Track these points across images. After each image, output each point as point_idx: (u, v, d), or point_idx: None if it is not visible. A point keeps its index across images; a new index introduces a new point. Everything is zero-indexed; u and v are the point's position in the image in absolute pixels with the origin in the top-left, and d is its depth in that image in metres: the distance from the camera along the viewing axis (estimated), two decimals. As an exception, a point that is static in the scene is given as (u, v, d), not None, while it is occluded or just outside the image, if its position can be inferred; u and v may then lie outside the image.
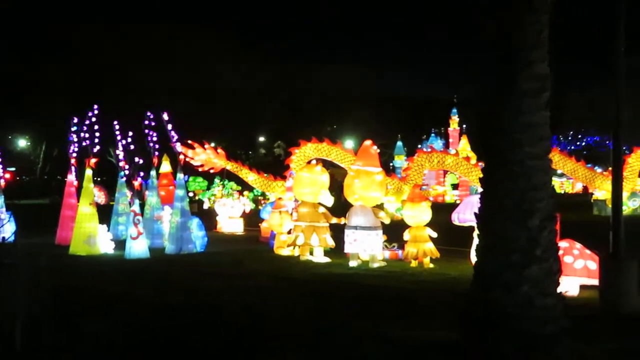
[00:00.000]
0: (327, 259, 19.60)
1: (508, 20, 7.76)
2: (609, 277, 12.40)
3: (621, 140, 12.96)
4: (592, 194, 46.74)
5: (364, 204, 18.84)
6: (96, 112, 23.38)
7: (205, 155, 39.79)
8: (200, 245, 22.37)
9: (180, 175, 22.92)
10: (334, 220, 20.09)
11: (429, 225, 18.93)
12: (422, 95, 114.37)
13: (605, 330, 10.48)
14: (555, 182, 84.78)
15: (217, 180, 49.91)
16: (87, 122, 23.31)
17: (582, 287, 13.77)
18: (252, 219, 33.30)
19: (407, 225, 19.03)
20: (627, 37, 12.65)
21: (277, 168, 50.37)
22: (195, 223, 22.42)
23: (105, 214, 25.86)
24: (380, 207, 21.34)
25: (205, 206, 47.35)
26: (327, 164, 37.45)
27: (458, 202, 47.27)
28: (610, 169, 13.65)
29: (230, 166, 40.80)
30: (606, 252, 12.81)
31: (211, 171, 41.48)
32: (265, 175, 41.62)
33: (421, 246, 18.53)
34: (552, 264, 7.76)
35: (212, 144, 45.57)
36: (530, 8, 7.70)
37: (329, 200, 20.49)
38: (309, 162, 22.63)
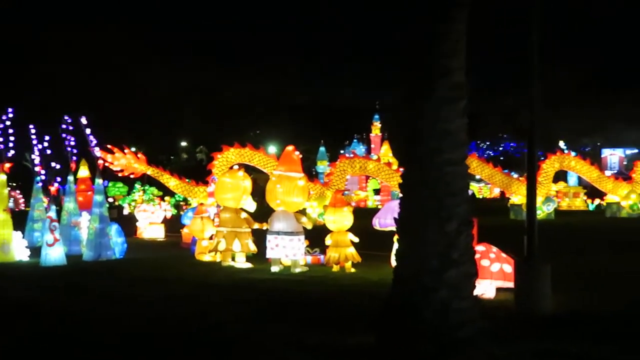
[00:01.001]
0: (249, 265, 19.52)
1: (426, 28, 7.89)
2: (523, 279, 12.74)
3: (535, 147, 13.35)
4: (508, 198, 48.05)
5: (286, 209, 18.84)
6: (10, 115, 22.69)
7: (125, 160, 39.15)
8: (120, 251, 21.95)
9: (99, 181, 22.43)
10: (256, 225, 20.04)
11: (350, 230, 19.06)
12: (344, 102, 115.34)
13: (520, 332, 10.74)
14: (474, 187, 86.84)
15: (137, 186, 49.16)
16: (1, 125, 22.59)
17: (498, 289, 14.10)
18: (174, 224, 32.92)
19: (329, 230, 19.13)
20: (542, 48, 13.05)
21: (199, 173, 49.98)
22: (114, 229, 21.99)
23: (20, 220, 25.08)
24: (302, 212, 21.38)
25: (125, 212, 46.56)
26: (250, 169, 37.40)
27: (380, 207, 47.84)
28: (525, 174, 14.06)
29: (151, 171, 40.26)
30: (521, 255, 13.17)
31: (131, 176, 40.85)
32: (187, 180, 41.26)
33: (343, 251, 18.65)
34: (469, 268, 7.93)
35: (133, 149, 44.87)
36: (448, 17, 7.84)
37: (251, 206, 20.42)
38: (231, 168, 22.44)
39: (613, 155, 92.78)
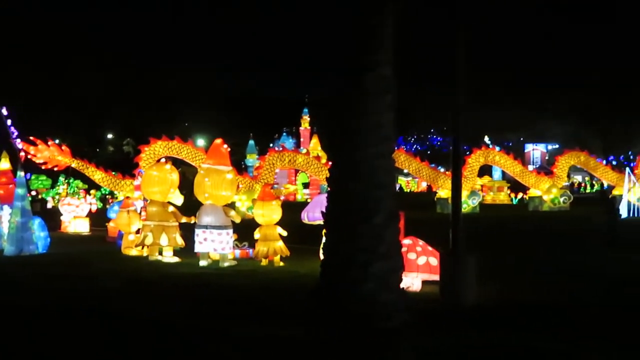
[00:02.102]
0: (176, 259, 19.34)
1: (355, 21, 7.93)
2: (448, 272, 13.00)
3: (460, 142, 13.61)
4: (435, 192, 48.81)
5: (214, 202, 18.72)
6: None
7: (49, 152, 38.19)
8: (43, 246, 21.42)
9: (20, 173, 21.80)
10: (184, 219, 19.85)
11: (279, 223, 19.08)
12: (273, 95, 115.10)
13: (445, 324, 10.95)
14: (402, 181, 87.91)
15: (61, 179, 47.98)
16: None
17: (425, 282, 14.33)
18: (99, 218, 32.26)
19: (258, 224, 19.09)
20: (468, 45, 13.32)
21: (125, 166, 49.15)
22: (37, 223, 21.44)
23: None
24: (231, 206, 21.28)
25: (49, 205, 45.38)
26: (178, 162, 36.99)
27: (309, 200, 48.02)
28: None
29: (75, 164, 39.40)
30: (447, 248, 13.42)
31: (55, 169, 39.89)
32: (114, 173, 40.57)
33: (272, 245, 18.65)
34: (396, 261, 8.01)
35: (56, 141, 43.79)
36: (376, 11, 7.89)
37: (179, 199, 20.22)
38: (158, 160, 22.18)
39: (536, 150, 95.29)
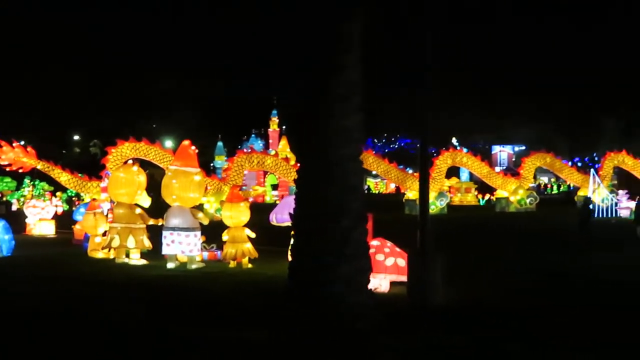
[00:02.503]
0: (144, 261, 19.19)
1: (322, 26, 7.95)
2: (416, 273, 13.06)
3: (428, 143, 13.70)
4: (404, 193, 49.03)
5: (182, 204, 18.61)
6: None
7: (14, 154, 37.69)
8: (7, 249, 21.10)
9: (-16, 175, 21.50)
10: (151, 221, 19.69)
11: (247, 225, 19.02)
12: (242, 97, 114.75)
13: (413, 324, 11.00)
14: (370, 182, 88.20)
15: (27, 181, 47.38)
16: None
17: (393, 283, 14.38)
18: (65, 221, 31.90)
19: (226, 226, 19.02)
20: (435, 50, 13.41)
21: (92, 168, 48.68)
22: (1, 226, 21.12)
23: None
24: (199, 207, 21.17)
25: (14, 208, 44.78)
26: (146, 164, 36.72)
27: (278, 202, 47.97)
28: (419, 170, 14.43)
29: (41, 166, 38.94)
30: (414, 249, 13.49)
31: (20, 171, 39.38)
32: (80, 175, 40.16)
33: (240, 247, 18.58)
34: (363, 263, 8.05)
35: (22, 142, 43.24)
36: (343, 15, 7.93)
37: (146, 201, 20.07)
38: (125, 162, 22.00)
39: (503, 152, 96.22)
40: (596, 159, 72.49)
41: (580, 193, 47.41)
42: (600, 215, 39.80)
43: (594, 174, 42.31)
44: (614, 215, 40.13)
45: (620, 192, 42.68)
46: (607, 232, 29.22)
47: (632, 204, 41.03)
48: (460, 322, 11.32)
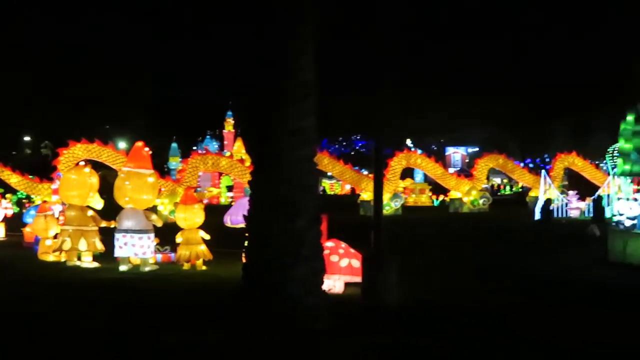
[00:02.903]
0: (96, 264, 18.92)
1: (277, 28, 7.95)
2: (370, 274, 13.11)
3: (382, 145, 13.78)
4: (359, 195, 49.19)
5: (135, 206, 18.41)
6: None
7: (-39, 156, 36.88)
8: (-45, 252, 20.63)
9: None
10: (104, 223, 19.45)
11: (202, 227, 18.89)
12: (197, 98, 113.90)
13: (367, 325, 11.04)
14: (325, 183, 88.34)
15: (-25, 183, 46.33)
16: None
17: (347, 284, 14.41)
18: (15, 223, 31.21)
19: (180, 228, 18.87)
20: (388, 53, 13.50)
21: (43, 169, 47.89)
22: (-52, 229, 20.65)
23: None
24: (153, 209, 20.97)
25: (-38, 210, 43.67)
26: (99, 166, 36.24)
27: (233, 203, 47.73)
28: (373, 171, 14.50)
29: (-10, 167, 38.15)
30: (369, 250, 13.54)
31: (-32, 172, 38.52)
32: (31, 177, 39.46)
33: (194, 248, 18.46)
34: (318, 264, 8.08)
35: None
36: (298, 18, 7.93)
37: (99, 203, 19.81)
38: (77, 164, 21.70)
39: (456, 153, 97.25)
40: (547, 160, 73.69)
41: (532, 194, 48.12)
42: (552, 215, 40.42)
43: (545, 175, 42.96)
44: (564, 215, 40.83)
45: (571, 192, 43.45)
46: (563, 231, 29.74)
47: (582, 204, 41.85)
48: (414, 322, 11.40)
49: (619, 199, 21.70)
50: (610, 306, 13.10)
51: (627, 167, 19.43)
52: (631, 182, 22.76)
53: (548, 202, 26.36)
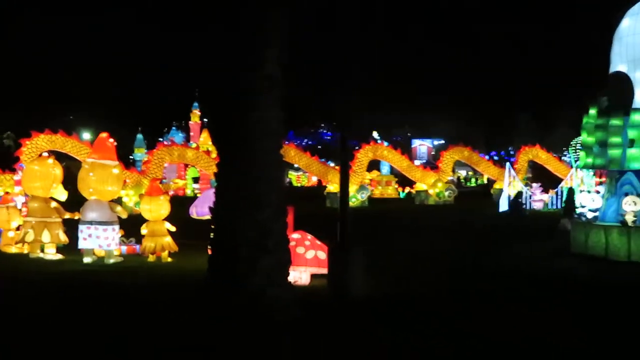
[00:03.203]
0: (59, 256, 18.71)
1: (242, 20, 7.91)
2: (336, 265, 13.15)
3: (348, 137, 13.81)
4: (325, 187, 49.27)
5: (100, 198, 18.24)
6: None
7: None
8: None
9: None
10: (67, 215, 19.24)
11: (167, 219, 18.78)
12: (163, 89, 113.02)
13: (333, 316, 11.08)
14: (292, 175, 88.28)
15: None
16: None
17: (313, 276, 14.45)
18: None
19: (145, 220, 18.75)
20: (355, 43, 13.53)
21: (5, 160, 47.16)
22: None
23: None
24: (117, 201, 20.79)
25: None
26: (62, 157, 35.82)
27: (199, 195, 47.51)
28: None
29: (-50, 158, 37.50)
30: (335, 241, 13.58)
31: None
32: (-8, 168, 38.88)
33: (159, 240, 18.35)
34: (283, 255, 8.08)
35: None
36: (264, 8, 7.91)
37: (62, 195, 19.58)
38: (40, 154, 21.41)
39: (422, 146, 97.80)
40: (511, 152, 74.45)
41: (497, 186, 48.60)
42: (522, 208, 40.87)
43: (509, 168, 43.42)
44: (528, 207, 41.31)
45: (534, 185, 43.97)
46: (527, 223, 30.09)
47: (546, 196, 42.38)
48: (379, 314, 11.46)
49: (581, 191, 22.02)
50: (564, 296, 13.33)
51: (590, 160, 19.69)
52: (593, 174, 23.08)
53: (519, 194, 26.68)
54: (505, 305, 12.45)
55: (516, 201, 26.02)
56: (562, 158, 53.33)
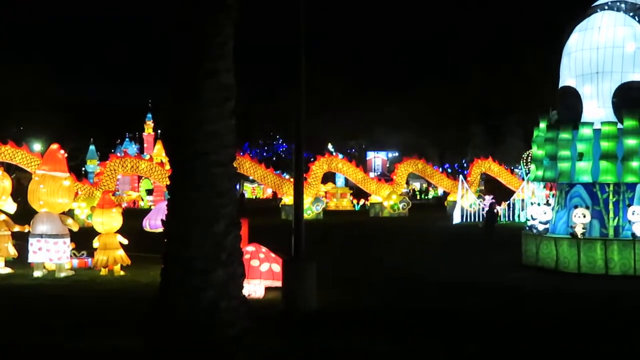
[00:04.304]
0: (8, 270, 18.35)
1: (192, 31, 7.88)
2: (290, 278, 13.17)
3: (302, 149, 13.85)
4: (280, 199, 49.19)
5: (50, 210, 17.97)
6: None
7: None
8: None
9: None
10: (17, 228, 18.90)
11: (120, 231, 18.59)
12: (116, 100, 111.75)
13: (286, 330, 11.09)
14: (247, 187, 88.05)
15: None
16: None
17: (268, 289, 14.43)
18: None
19: (97, 232, 18.53)
20: (308, 54, 13.60)
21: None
22: None
23: None
24: (69, 213, 20.49)
25: None
26: (12, 168, 35.17)
27: (153, 207, 47.05)
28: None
29: None
30: (290, 254, 13.60)
31: None
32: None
33: (111, 253, 18.14)
34: (236, 268, 8.03)
35: None
36: (213, 21, 7.89)
37: (12, 207, 19.23)
38: (-11, 166, 21.05)
39: (377, 158, 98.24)
40: (465, 165, 75.27)
41: (450, 198, 49.08)
42: (468, 220, 41.38)
43: (462, 180, 43.91)
44: (480, 219, 41.79)
45: (487, 197, 44.50)
46: (480, 235, 30.44)
47: (498, 209, 42.91)
48: (333, 326, 11.50)
49: (532, 203, 22.35)
50: (508, 308, 13.53)
51: (540, 173, 20.04)
52: (544, 187, 23.46)
53: (492, 205, 26.99)
54: (449, 317, 12.58)
55: (490, 214, 26.31)
56: (514, 170, 54.07)
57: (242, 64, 8.56)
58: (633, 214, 17.98)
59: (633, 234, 17.92)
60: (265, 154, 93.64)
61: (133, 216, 25.31)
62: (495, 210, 26.09)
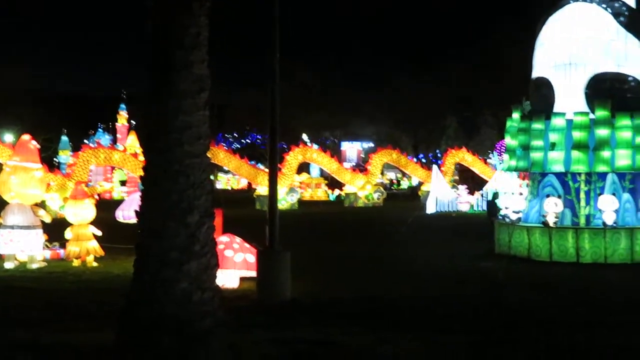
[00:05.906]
0: (-21, 262, 18.17)
1: (167, 21, 7.83)
2: (264, 268, 13.18)
3: (277, 139, 13.84)
4: (255, 189, 49.09)
5: (22, 201, 17.80)
6: None
7: None
8: None
9: None
10: (-12, 220, 18.70)
11: (93, 222, 18.47)
12: (89, 90, 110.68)
13: (261, 320, 11.08)
14: (222, 178, 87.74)
15: None
16: None
17: (242, 279, 14.42)
18: None
19: (70, 223, 18.39)
20: (283, 44, 13.58)
21: None
22: None
23: None
24: (41, 205, 20.30)
25: None
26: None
27: (126, 198, 46.74)
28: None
29: None
30: (264, 244, 13.61)
31: None
32: None
33: (84, 245, 18.03)
34: (210, 259, 8.01)
35: None
36: (188, 11, 7.84)
37: (-18, 199, 19.04)
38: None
39: (352, 149, 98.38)
40: (439, 155, 75.55)
41: (424, 188, 49.30)
42: (442, 209, 41.61)
43: (436, 170, 44.11)
44: (454, 209, 42.05)
45: (461, 187, 44.79)
46: (454, 224, 30.64)
47: (472, 198, 43.19)
48: (307, 316, 11.52)
49: (505, 193, 22.54)
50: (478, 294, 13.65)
51: (513, 163, 20.20)
52: (517, 177, 23.65)
53: (495, 195, 27.08)
54: (424, 303, 12.67)
55: (492, 203, 26.37)
56: (488, 160, 54.42)
57: (216, 55, 8.48)
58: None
59: (604, 223, 18.16)
60: (239, 144, 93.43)
61: (106, 207, 25.10)
62: (495, 201, 26.19)
